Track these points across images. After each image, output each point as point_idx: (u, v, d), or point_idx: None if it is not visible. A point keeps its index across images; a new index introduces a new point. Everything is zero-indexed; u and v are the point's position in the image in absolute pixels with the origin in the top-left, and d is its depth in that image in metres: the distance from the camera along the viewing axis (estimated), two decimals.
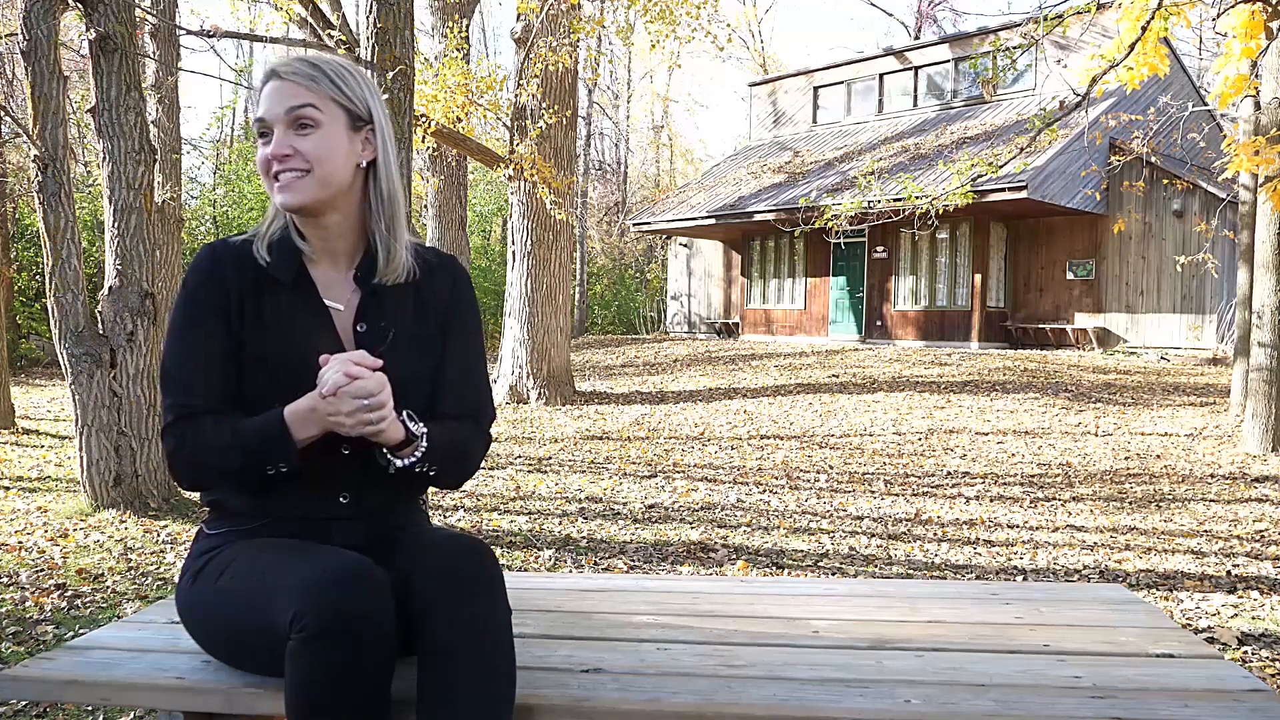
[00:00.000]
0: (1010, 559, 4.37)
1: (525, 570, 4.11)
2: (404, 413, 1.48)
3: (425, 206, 18.03)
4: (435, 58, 12.00)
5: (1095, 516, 5.26)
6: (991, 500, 5.72)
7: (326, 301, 1.57)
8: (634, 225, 20.19)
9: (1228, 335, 13.60)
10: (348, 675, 1.30)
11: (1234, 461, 6.84)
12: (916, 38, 27.23)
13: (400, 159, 1.68)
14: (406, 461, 1.49)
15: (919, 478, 6.46)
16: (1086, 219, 15.15)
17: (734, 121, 58.24)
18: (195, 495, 5.39)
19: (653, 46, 10.43)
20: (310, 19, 7.45)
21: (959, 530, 4.96)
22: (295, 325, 1.53)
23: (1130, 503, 5.62)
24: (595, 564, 4.24)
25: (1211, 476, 6.35)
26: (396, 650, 1.36)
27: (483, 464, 7.06)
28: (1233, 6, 5.23)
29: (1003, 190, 13.17)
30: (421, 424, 1.50)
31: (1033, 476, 6.47)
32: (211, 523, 1.60)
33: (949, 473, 6.64)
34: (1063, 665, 1.57)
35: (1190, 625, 3.33)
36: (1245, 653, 3.04)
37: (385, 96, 4.19)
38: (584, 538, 4.74)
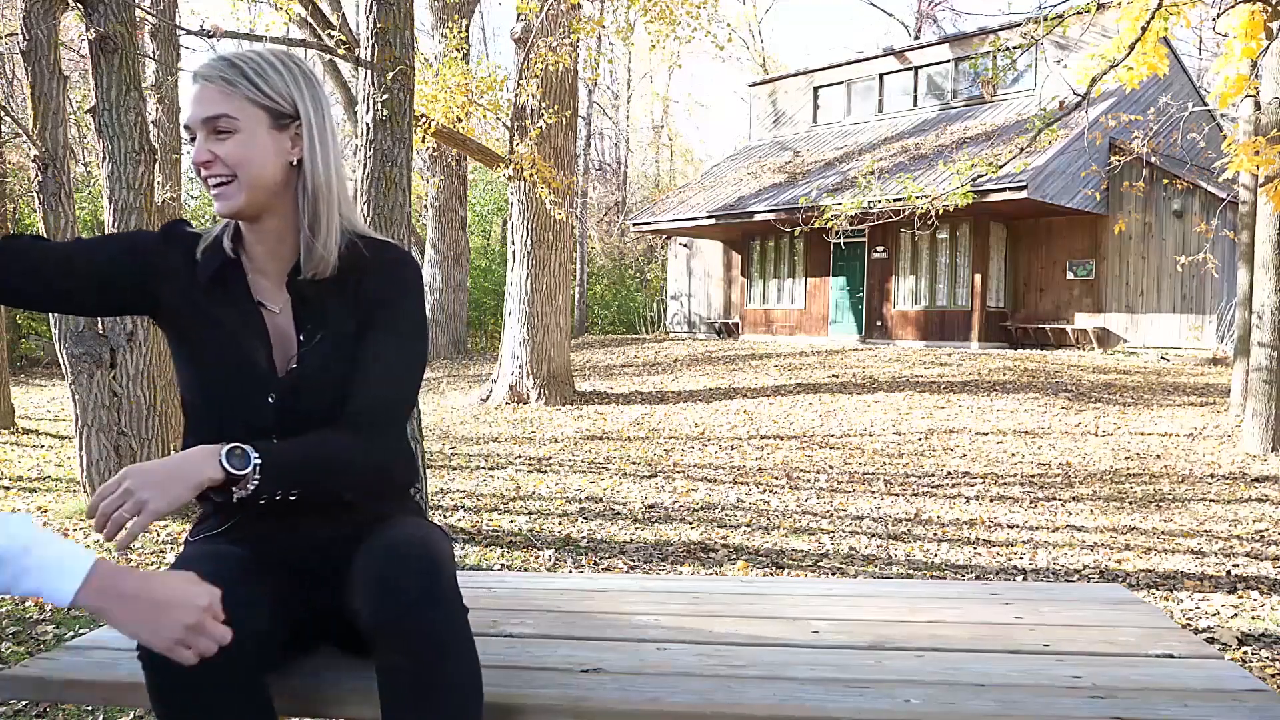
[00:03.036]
0: (1010, 559, 4.37)
1: (525, 570, 4.11)
2: (224, 450, 1.33)
3: (425, 206, 18.05)
4: (435, 58, 12.00)
5: (1095, 516, 5.26)
6: (991, 500, 5.72)
7: (260, 301, 1.54)
8: (634, 225, 20.19)
9: (1228, 335, 13.60)
10: (186, 699, 1.29)
11: (1234, 461, 6.84)
12: (916, 38, 27.23)
13: (338, 150, 1.63)
14: (246, 492, 1.35)
15: (919, 478, 6.46)
16: (1086, 219, 15.15)
17: (734, 121, 58.26)
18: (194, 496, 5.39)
19: (653, 46, 10.42)
20: (310, 19, 7.45)
21: (959, 530, 4.96)
22: (225, 324, 1.52)
23: (1130, 503, 5.62)
24: (595, 564, 4.24)
25: (1211, 476, 6.35)
26: (250, 669, 1.33)
27: (481, 464, 7.06)
28: (1233, 6, 5.23)
29: (1003, 190, 13.17)
30: (255, 454, 1.35)
31: (1033, 476, 6.47)
32: (193, 530, 1.60)
33: (949, 473, 6.64)
34: (1063, 665, 1.57)
35: (1190, 625, 3.33)
36: (1245, 653, 3.04)
37: (385, 96, 4.19)
38: (584, 538, 4.74)
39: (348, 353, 1.52)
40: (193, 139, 1.48)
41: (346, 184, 1.61)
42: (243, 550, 1.48)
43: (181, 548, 4.38)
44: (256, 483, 1.35)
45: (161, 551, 4.30)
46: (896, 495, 5.86)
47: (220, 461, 1.33)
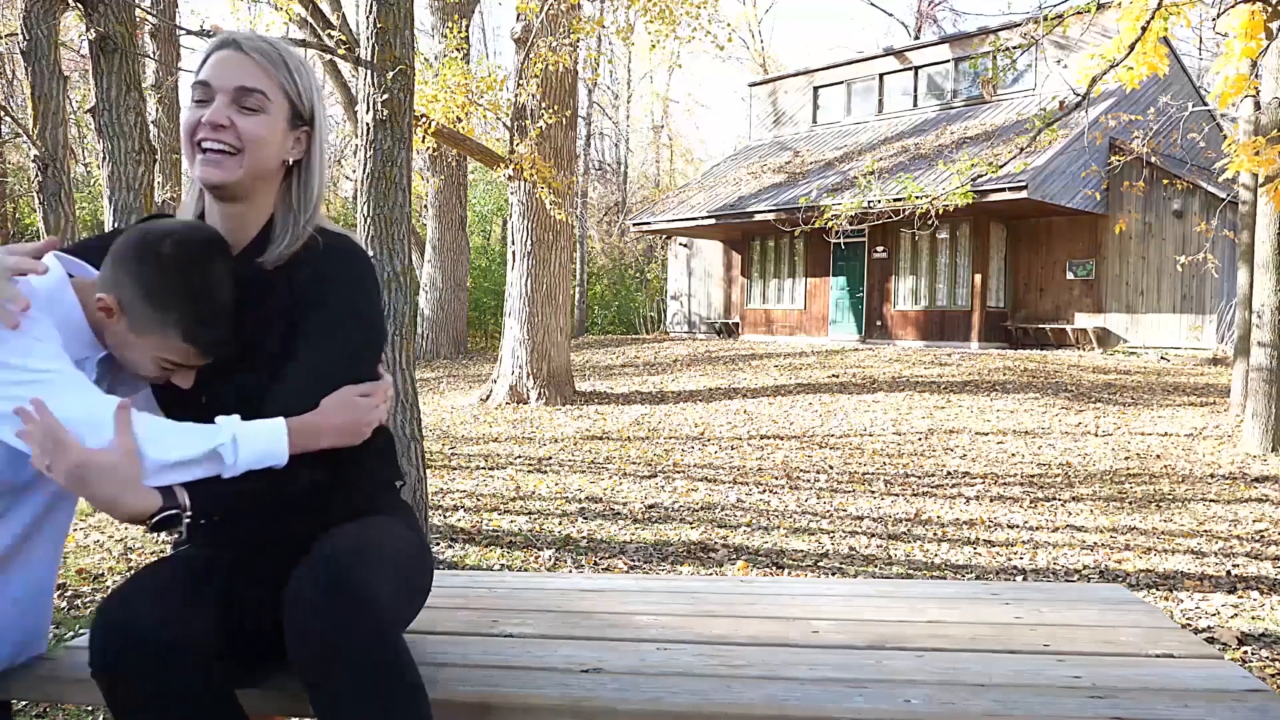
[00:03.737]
0: (1010, 559, 4.37)
1: (525, 570, 4.11)
2: (156, 518, 1.33)
3: (425, 206, 18.05)
4: (435, 58, 12.00)
5: (1095, 516, 5.26)
6: (991, 500, 5.72)
7: None
8: (634, 225, 20.18)
9: (1228, 335, 13.60)
10: (132, 707, 1.30)
11: (1234, 461, 6.84)
12: (916, 38, 27.23)
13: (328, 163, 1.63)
14: (163, 517, 1.33)
15: (919, 478, 6.46)
16: (1086, 219, 15.15)
17: (734, 121, 58.23)
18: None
19: (653, 46, 10.43)
20: (310, 19, 7.46)
21: (959, 530, 4.96)
22: None
23: (1130, 503, 5.62)
24: (595, 564, 4.24)
25: (1211, 476, 6.35)
26: (202, 675, 1.32)
27: (481, 464, 7.05)
28: (1233, 6, 5.23)
29: (1003, 190, 13.16)
30: (187, 504, 1.33)
31: (1033, 476, 6.47)
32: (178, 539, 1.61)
33: (949, 473, 6.64)
34: (1063, 665, 1.57)
35: (1190, 625, 3.33)
36: (1245, 653, 3.04)
37: (385, 96, 4.19)
38: (584, 538, 4.74)
39: (274, 348, 1.49)
40: (201, 100, 1.44)
41: None
42: (224, 556, 1.47)
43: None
44: (175, 510, 1.33)
45: (161, 551, 4.31)
46: (896, 495, 5.86)
47: (149, 521, 1.31)
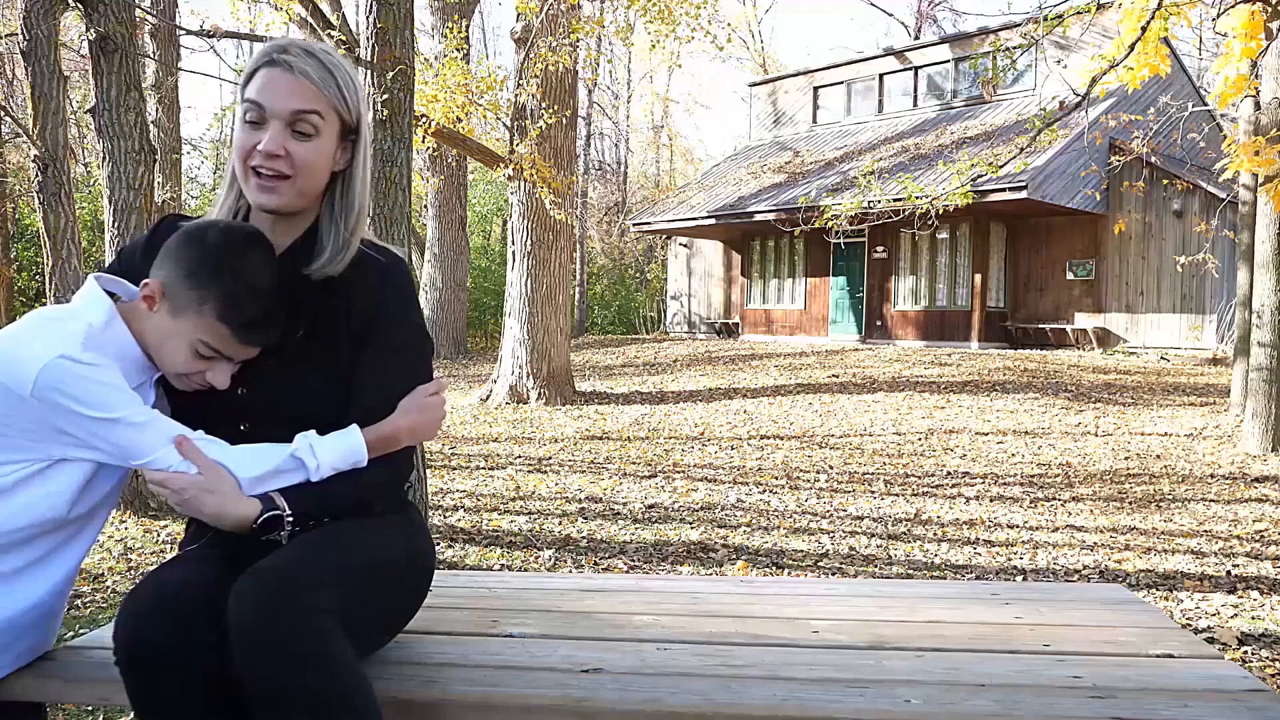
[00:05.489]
0: (1010, 559, 4.37)
1: (525, 570, 4.11)
2: (260, 519, 1.40)
3: (425, 206, 18.05)
4: (435, 58, 11.99)
5: (1095, 516, 5.26)
6: (991, 500, 5.72)
7: None
8: (634, 225, 20.18)
9: (1228, 335, 13.60)
10: (148, 701, 1.32)
11: (1234, 461, 6.84)
12: (916, 38, 27.22)
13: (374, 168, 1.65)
14: (265, 520, 1.41)
15: (919, 478, 6.46)
16: (1086, 219, 15.15)
17: (734, 121, 58.27)
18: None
19: (652, 46, 10.43)
20: (310, 19, 7.45)
21: (959, 530, 4.96)
22: None
23: (1130, 503, 5.62)
24: (595, 564, 4.24)
25: (1211, 476, 6.35)
26: (202, 678, 1.31)
27: (481, 464, 7.05)
28: (1233, 6, 5.23)
29: (1003, 190, 13.16)
30: (289, 517, 1.41)
31: (1033, 476, 6.47)
32: (183, 542, 1.62)
33: (949, 473, 6.64)
34: (1063, 665, 1.57)
35: (1190, 625, 3.33)
36: (1245, 653, 3.04)
37: (385, 96, 4.19)
38: (584, 538, 4.74)
39: (312, 357, 1.52)
40: (254, 121, 1.43)
41: None
42: (225, 555, 1.48)
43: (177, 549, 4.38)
44: (287, 528, 1.43)
45: (161, 551, 4.31)
46: (896, 495, 5.86)
47: (254, 526, 1.40)
